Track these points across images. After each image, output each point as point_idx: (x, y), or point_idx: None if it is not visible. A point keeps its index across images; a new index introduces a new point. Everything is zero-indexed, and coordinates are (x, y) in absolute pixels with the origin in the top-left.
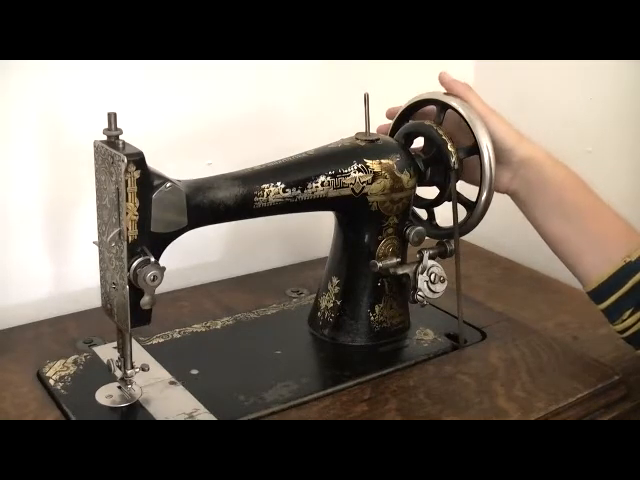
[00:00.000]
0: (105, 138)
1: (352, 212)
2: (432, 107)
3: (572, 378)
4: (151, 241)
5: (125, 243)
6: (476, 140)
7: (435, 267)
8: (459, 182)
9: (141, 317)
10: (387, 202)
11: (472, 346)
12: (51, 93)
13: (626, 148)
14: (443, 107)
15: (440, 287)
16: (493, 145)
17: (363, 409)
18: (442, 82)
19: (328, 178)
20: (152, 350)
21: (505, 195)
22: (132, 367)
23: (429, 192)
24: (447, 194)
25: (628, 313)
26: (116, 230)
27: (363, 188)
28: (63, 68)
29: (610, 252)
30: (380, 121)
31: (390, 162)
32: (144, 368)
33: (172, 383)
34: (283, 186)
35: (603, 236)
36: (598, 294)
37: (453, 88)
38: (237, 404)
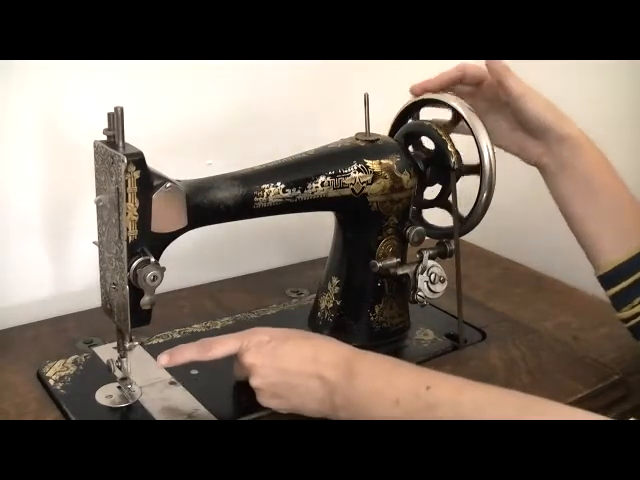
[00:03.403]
0: (105, 138)
1: (352, 212)
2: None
3: (572, 378)
4: (151, 241)
5: (125, 243)
6: (476, 140)
7: (435, 267)
8: (458, 183)
9: (141, 317)
10: (387, 202)
11: (472, 346)
12: (51, 93)
13: (626, 148)
14: (456, 117)
15: (440, 287)
16: (532, 123)
17: None
18: (489, 63)
19: (328, 178)
20: (152, 350)
21: (504, 195)
22: (131, 340)
23: (429, 192)
24: (447, 194)
25: (638, 300)
26: (111, 194)
27: (363, 188)
28: (63, 68)
29: (628, 237)
30: (380, 121)
31: (390, 162)
32: (143, 342)
33: (172, 383)
34: (283, 186)
35: (625, 222)
36: (610, 278)
37: (492, 64)
38: (237, 404)
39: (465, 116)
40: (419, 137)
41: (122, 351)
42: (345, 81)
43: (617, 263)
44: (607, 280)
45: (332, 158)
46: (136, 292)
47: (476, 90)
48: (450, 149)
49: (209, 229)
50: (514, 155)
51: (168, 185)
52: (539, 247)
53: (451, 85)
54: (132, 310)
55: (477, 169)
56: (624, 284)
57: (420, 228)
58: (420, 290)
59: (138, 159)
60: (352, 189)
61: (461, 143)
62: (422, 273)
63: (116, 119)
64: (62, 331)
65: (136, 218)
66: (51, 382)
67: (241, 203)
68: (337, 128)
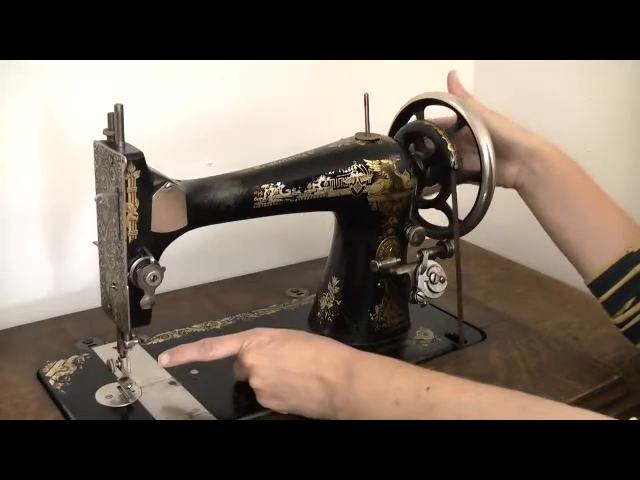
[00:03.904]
0: (105, 138)
1: (352, 212)
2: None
3: (572, 378)
4: (151, 241)
5: (125, 243)
6: (476, 140)
7: (435, 267)
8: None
9: (141, 317)
10: (387, 202)
11: (472, 346)
12: (51, 93)
13: (626, 148)
14: (460, 121)
15: (440, 287)
16: (498, 141)
17: None
18: (448, 78)
19: (328, 178)
20: (152, 350)
21: (505, 196)
22: (131, 338)
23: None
24: (447, 194)
25: (629, 303)
26: (111, 193)
27: (363, 188)
28: (63, 68)
29: (612, 243)
30: (380, 121)
31: (390, 162)
32: (143, 340)
33: (172, 383)
34: (283, 186)
35: (605, 227)
36: (599, 285)
37: (454, 89)
38: (237, 404)
39: (465, 116)
40: (419, 137)
41: (122, 351)
42: (345, 81)
43: (602, 270)
44: (596, 288)
45: (332, 158)
46: (136, 292)
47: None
48: (450, 149)
49: (209, 229)
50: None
51: (168, 185)
52: (539, 247)
53: None
54: (132, 310)
55: (477, 176)
56: (612, 290)
57: (420, 228)
58: (420, 290)
59: (138, 159)
60: (352, 189)
61: None
62: (422, 273)
63: (116, 117)
64: (62, 331)
65: (136, 218)
66: (51, 382)
67: (241, 203)
68: (337, 128)
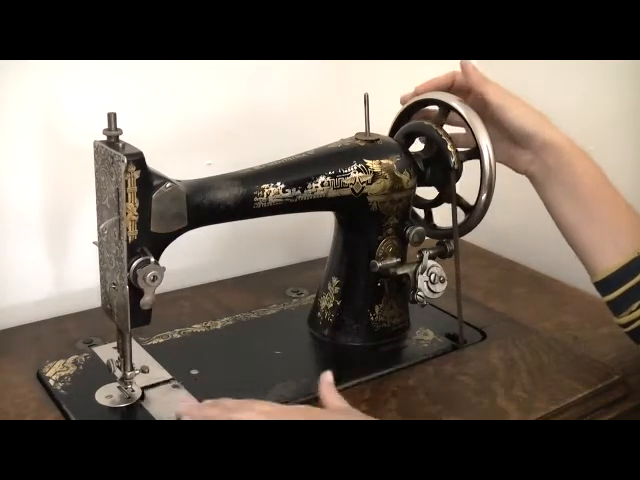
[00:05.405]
0: (105, 138)
1: (352, 212)
2: (435, 108)
3: (572, 378)
4: (151, 241)
5: (125, 243)
6: (476, 140)
7: (435, 267)
8: (458, 183)
9: (141, 317)
10: (387, 202)
11: (472, 346)
12: (51, 93)
13: (627, 148)
14: (445, 108)
15: (440, 287)
16: (514, 130)
17: (363, 409)
18: (462, 66)
19: (328, 178)
20: (152, 350)
21: (505, 195)
22: (132, 369)
23: (429, 192)
24: (447, 194)
25: (636, 305)
26: (114, 218)
27: (363, 188)
28: (63, 68)
29: (622, 243)
30: (380, 121)
31: (390, 162)
32: (144, 370)
33: (172, 383)
34: (283, 186)
35: (616, 227)
36: (607, 285)
37: (470, 76)
38: None
39: (465, 116)
40: (419, 137)
41: (123, 375)
42: (345, 81)
43: (613, 270)
44: (603, 287)
45: (332, 158)
46: (136, 292)
47: (465, 99)
48: (450, 149)
49: (209, 229)
50: (504, 165)
51: (168, 185)
52: (539, 247)
53: (441, 90)
54: (132, 310)
55: (474, 152)
56: (621, 290)
57: (420, 228)
58: (420, 290)
59: (138, 159)
60: (352, 189)
61: None
62: (422, 273)
63: (111, 125)
64: (62, 331)
65: (136, 218)
66: (51, 382)
67: (241, 203)
68: (337, 128)
